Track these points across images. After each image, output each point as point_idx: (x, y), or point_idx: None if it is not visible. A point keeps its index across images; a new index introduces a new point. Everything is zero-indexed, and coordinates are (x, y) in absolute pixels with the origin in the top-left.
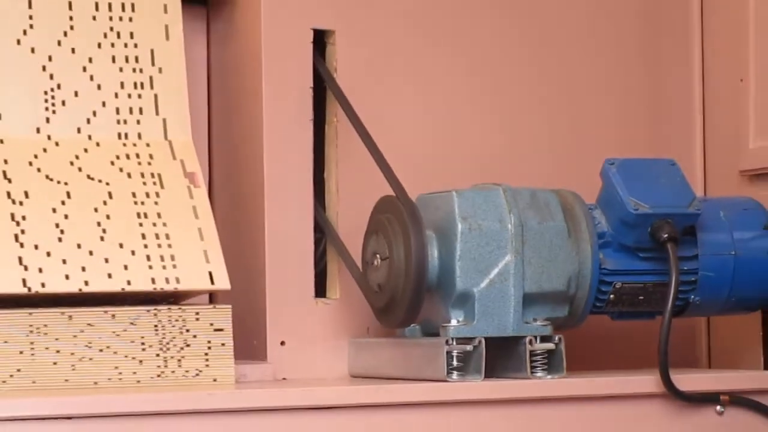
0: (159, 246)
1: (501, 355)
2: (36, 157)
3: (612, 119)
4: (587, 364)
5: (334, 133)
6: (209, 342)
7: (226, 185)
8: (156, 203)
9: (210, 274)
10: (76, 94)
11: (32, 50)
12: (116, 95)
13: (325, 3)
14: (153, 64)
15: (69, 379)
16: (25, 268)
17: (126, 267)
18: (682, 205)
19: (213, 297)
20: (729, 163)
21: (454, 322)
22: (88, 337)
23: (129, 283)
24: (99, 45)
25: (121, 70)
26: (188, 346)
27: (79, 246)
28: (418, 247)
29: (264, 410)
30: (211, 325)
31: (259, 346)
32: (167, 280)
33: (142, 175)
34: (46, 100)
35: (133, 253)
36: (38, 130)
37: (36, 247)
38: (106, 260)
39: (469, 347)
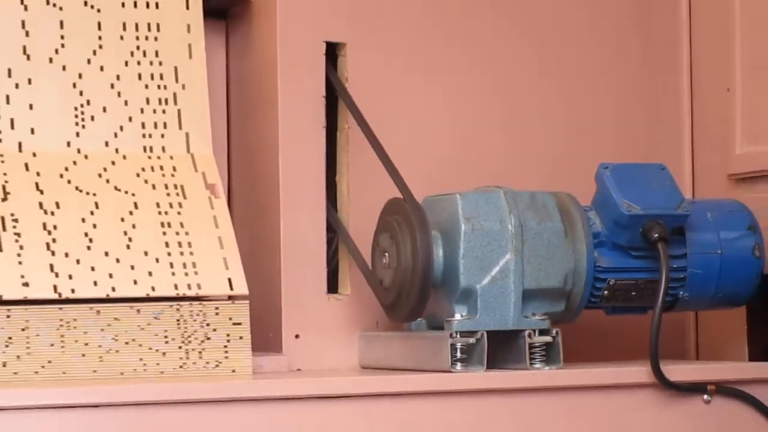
0: (181, 254)
1: (502, 348)
2: (66, 169)
3: (606, 127)
4: (583, 356)
5: (345, 139)
6: (228, 335)
7: (244, 188)
8: (179, 213)
9: (229, 280)
10: (104, 109)
11: (63, 68)
12: (142, 111)
13: (337, 17)
14: (177, 81)
15: (97, 370)
16: (56, 275)
17: (150, 273)
18: (671, 207)
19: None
20: (716, 168)
21: (457, 316)
22: (114, 331)
23: (153, 288)
24: (126, 63)
25: (146, 86)
26: (208, 339)
27: (106, 254)
28: (424, 246)
29: (280, 399)
30: (230, 319)
31: (274, 339)
32: (189, 286)
33: (166, 187)
34: (76, 116)
35: (157, 260)
36: (69, 144)
37: (66, 254)
38: (132, 267)
39: (471, 340)
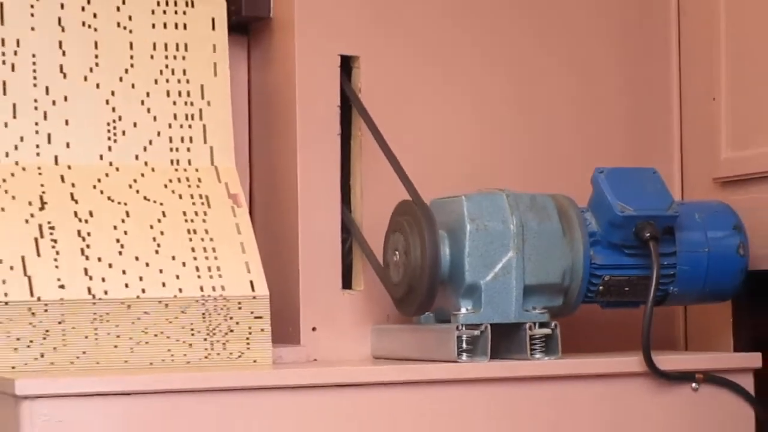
0: (206, 258)
1: (504, 339)
2: (99, 181)
3: (602, 133)
4: (580, 347)
5: (358, 145)
6: (250, 328)
7: (265, 192)
8: (204, 221)
9: (251, 282)
10: (134, 125)
11: (97, 86)
12: (170, 126)
13: (351, 32)
14: (202, 97)
15: (128, 360)
16: (90, 278)
17: (178, 276)
18: (662, 208)
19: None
20: (703, 172)
21: (463, 310)
22: (144, 324)
23: (180, 290)
24: (156, 81)
25: (174, 103)
26: (232, 331)
27: (137, 258)
28: (432, 245)
29: (298, 387)
30: (252, 313)
31: (293, 332)
32: (213, 288)
33: (192, 197)
34: (108, 131)
35: (183, 264)
36: (101, 157)
37: (99, 259)
38: (161, 271)
39: (476, 332)
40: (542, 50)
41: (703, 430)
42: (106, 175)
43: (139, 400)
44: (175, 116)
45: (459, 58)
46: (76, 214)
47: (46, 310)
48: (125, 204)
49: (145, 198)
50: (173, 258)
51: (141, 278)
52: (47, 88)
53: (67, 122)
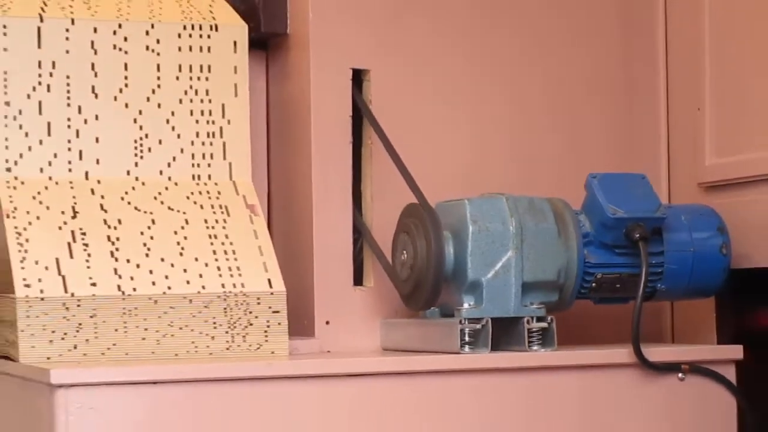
0: (227, 259)
1: (504, 332)
2: (126, 193)
3: (594, 141)
4: (574, 340)
5: (369, 152)
6: (268, 321)
7: (282, 196)
8: (224, 228)
9: (269, 280)
10: (160, 142)
11: (126, 105)
12: (192, 143)
13: (362, 48)
14: (223, 116)
15: (155, 351)
16: (119, 277)
17: (201, 275)
18: (651, 211)
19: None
20: (689, 177)
21: (466, 305)
22: (170, 318)
23: (203, 287)
24: (180, 101)
25: (197, 122)
26: (251, 324)
27: (162, 260)
28: (437, 245)
29: (313, 377)
30: (270, 307)
31: (308, 325)
32: (234, 285)
33: (212, 207)
34: (135, 148)
35: (206, 265)
36: (128, 173)
37: (128, 261)
38: (185, 270)
39: (478, 326)
40: (539, 66)
41: (688, 418)
42: (133, 188)
43: (165, 388)
44: (197, 134)
45: (462, 72)
46: (105, 221)
47: (79, 305)
48: (151, 213)
49: (169, 208)
50: (196, 259)
51: (167, 277)
52: (80, 108)
53: (97, 140)
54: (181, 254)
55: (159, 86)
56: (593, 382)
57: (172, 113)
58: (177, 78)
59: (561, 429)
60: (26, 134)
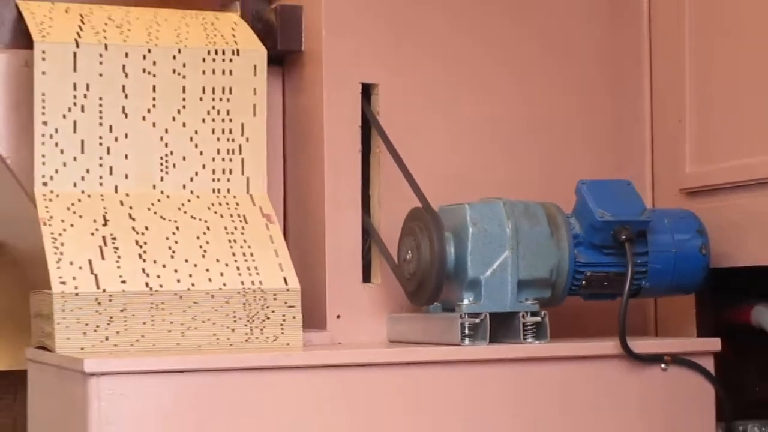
0: (245, 260)
1: (501, 326)
2: (152, 204)
3: (584, 151)
4: (566, 333)
5: (377, 160)
6: (284, 315)
7: (297, 200)
8: (242, 233)
9: (284, 278)
10: (183, 158)
11: (153, 125)
12: (213, 159)
13: (371, 64)
14: (242, 134)
15: (180, 343)
16: (147, 275)
17: (222, 274)
18: (636, 214)
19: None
20: (671, 183)
21: (466, 301)
22: (194, 312)
23: (224, 284)
24: (203, 120)
25: (218, 139)
26: (268, 318)
27: (186, 261)
28: (440, 245)
29: (325, 366)
30: (285, 303)
31: (320, 319)
32: (252, 282)
33: (231, 216)
34: (161, 164)
35: (226, 265)
36: (154, 187)
37: (154, 261)
38: (207, 270)
39: (477, 320)
40: (534, 82)
41: (670, 405)
42: (158, 200)
43: (189, 377)
44: (218, 151)
45: (462, 86)
46: (133, 228)
47: (110, 300)
48: (175, 221)
49: (191, 217)
50: (217, 260)
51: (190, 275)
52: (111, 127)
53: (126, 156)
54: (203, 256)
55: (184, 107)
56: (583, 372)
57: (196, 132)
58: (201, 99)
59: (554, 414)
60: (61, 151)
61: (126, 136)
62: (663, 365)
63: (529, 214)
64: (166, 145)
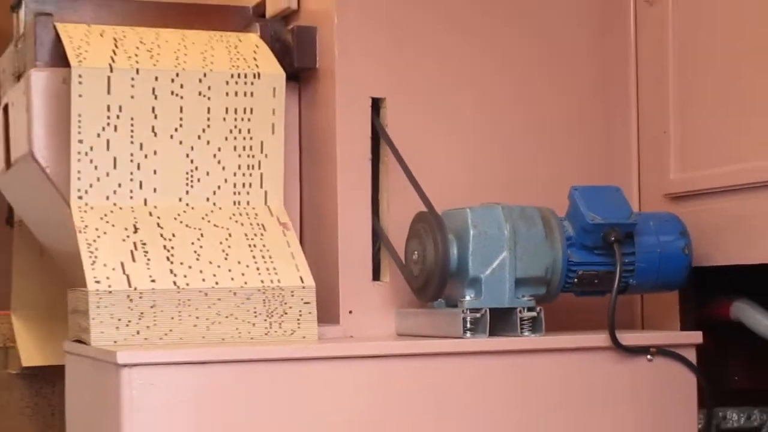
0: (264, 262)
1: (500, 321)
2: (178, 215)
3: (577, 159)
4: (559, 327)
5: (385, 168)
6: (300, 311)
7: (312, 206)
8: (261, 239)
9: (300, 277)
10: (207, 173)
11: (180, 143)
12: (234, 174)
13: (380, 80)
14: (261, 151)
15: (205, 336)
16: (175, 275)
17: (243, 274)
18: (624, 218)
19: None
20: (656, 189)
21: (467, 297)
22: (218, 308)
23: (246, 282)
24: (226, 138)
25: (239, 156)
26: (286, 314)
27: (210, 262)
28: (443, 246)
29: (338, 358)
30: (302, 299)
31: (334, 314)
32: (271, 281)
33: (251, 224)
34: (187, 179)
35: (247, 266)
36: (180, 200)
37: (181, 263)
38: (230, 270)
39: (478, 315)
40: (531, 96)
41: (655, 393)
42: (184, 211)
43: (213, 367)
44: (239, 166)
45: (464, 99)
46: (162, 235)
47: (140, 297)
48: (199, 229)
49: (214, 225)
50: (239, 262)
51: (214, 275)
52: (141, 145)
53: (155, 172)
54: (225, 258)
55: (209, 126)
56: (575, 362)
57: (219, 149)
58: (224, 119)
59: (548, 401)
60: (95, 167)
61: (155, 153)
62: (649, 356)
63: (526, 218)
64: (192, 161)
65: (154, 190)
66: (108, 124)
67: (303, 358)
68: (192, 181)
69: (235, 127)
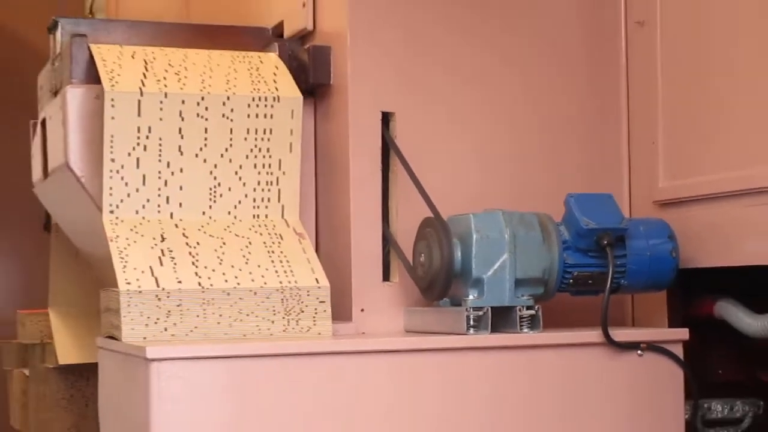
0: (282, 265)
1: (501, 318)
2: (202, 226)
3: (572, 169)
4: (556, 323)
5: (395, 177)
6: (316, 309)
7: (327, 212)
8: (279, 246)
9: (316, 278)
10: (229, 189)
11: (204, 161)
12: (254, 190)
13: (389, 95)
14: (279, 168)
15: (227, 333)
16: (199, 277)
17: (263, 276)
18: (616, 223)
19: None
20: (646, 196)
21: (471, 297)
22: (239, 306)
23: (265, 283)
24: (247, 156)
25: (259, 173)
26: (302, 312)
27: (232, 266)
28: (449, 249)
29: (351, 353)
30: (317, 298)
31: (347, 312)
32: (289, 282)
33: (269, 234)
34: (210, 195)
35: (266, 269)
36: (203, 213)
37: (205, 267)
38: (250, 273)
39: (480, 313)
40: (532, 108)
41: (645, 385)
42: (207, 223)
43: (236, 361)
44: (258, 182)
45: (468, 112)
46: (187, 244)
47: (168, 297)
48: (222, 238)
49: (236, 235)
50: (258, 266)
51: (236, 277)
52: (168, 163)
53: (181, 188)
54: (246, 262)
55: (231, 145)
56: (571, 357)
57: (240, 166)
58: (245, 139)
59: (545, 393)
60: (126, 184)
61: (181, 170)
62: (639, 352)
63: (525, 223)
64: (215, 178)
65: (180, 204)
66: (138, 144)
67: (318, 352)
68: (215, 196)
69: (256, 146)
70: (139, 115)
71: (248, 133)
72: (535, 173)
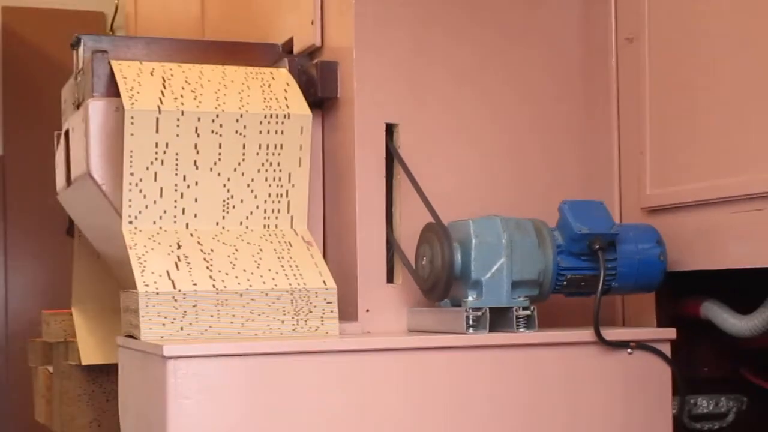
0: (292, 269)
1: (498, 318)
2: (216, 235)
3: (566, 177)
4: (550, 323)
5: (398, 184)
6: (323, 310)
7: (334, 218)
8: (288, 252)
9: (324, 281)
10: (241, 201)
11: (218, 174)
12: (265, 201)
13: (393, 107)
14: (289, 181)
15: (240, 332)
16: (213, 280)
17: (273, 278)
18: (607, 228)
19: None
20: (635, 203)
21: (470, 298)
22: (251, 307)
23: (276, 285)
24: (258, 170)
25: (269, 186)
26: (311, 312)
27: (244, 270)
28: (449, 253)
29: (357, 351)
30: (325, 299)
31: (353, 312)
32: (298, 284)
33: (279, 242)
34: (223, 207)
35: (277, 272)
36: (217, 224)
37: (219, 270)
38: (261, 276)
39: (479, 313)
40: (529, 119)
41: (635, 382)
42: (220, 233)
43: (248, 359)
44: (269, 195)
45: (468, 123)
46: (201, 250)
47: (184, 298)
48: (234, 246)
49: (247, 243)
50: (269, 270)
51: (248, 279)
52: (184, 177)
53: (196, 200)
54: (258, 267)
55: (243, 160)
56: (565, 355)
57: (252, 180)
58: (257, 154)
59: (541, 389)
60: (144, 196)
61: (196, 183)
62: (629, 350)
63: (521, 228)
64: (228, 190)
65: (195, 215)
66: (156, 158)
67: (326, 351)
68: (228, 207)
69: (267, 160)
70: (157, 131)
71: (260, 148)
72: (531, 181)
